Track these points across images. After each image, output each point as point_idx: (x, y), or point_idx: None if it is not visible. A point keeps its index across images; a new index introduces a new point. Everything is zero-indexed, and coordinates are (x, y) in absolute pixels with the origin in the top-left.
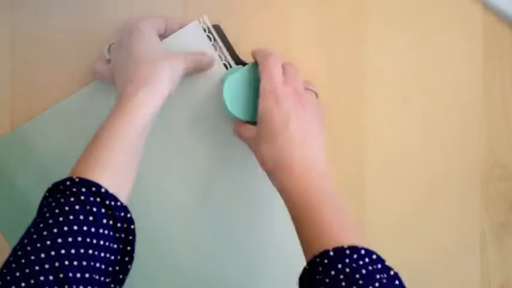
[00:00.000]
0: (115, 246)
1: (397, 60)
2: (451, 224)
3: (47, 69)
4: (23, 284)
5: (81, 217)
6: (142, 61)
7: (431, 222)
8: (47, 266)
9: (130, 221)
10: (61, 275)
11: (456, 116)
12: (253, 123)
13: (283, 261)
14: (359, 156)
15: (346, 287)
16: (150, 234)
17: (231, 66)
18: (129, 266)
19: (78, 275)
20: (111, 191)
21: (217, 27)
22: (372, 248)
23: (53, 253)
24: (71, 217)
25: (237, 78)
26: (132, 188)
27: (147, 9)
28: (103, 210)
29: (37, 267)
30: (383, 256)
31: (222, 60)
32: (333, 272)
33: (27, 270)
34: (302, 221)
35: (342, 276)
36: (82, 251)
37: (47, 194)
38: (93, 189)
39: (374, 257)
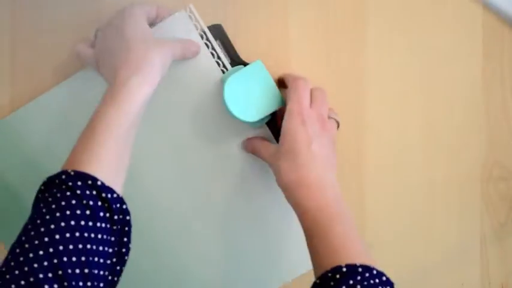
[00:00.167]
0: (112, 238)
1: (397, 60)
2: (451, 224)
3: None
4: (22, 282)
5: (78, 212)
6: (134, 45)
7: (432, 222)
8: (45, 264)
9: (126, 212)
10: (60, 272)
11: (456, 116)
12: (253, 123)
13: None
14: (359, 157)
15: None
16: (144, 229)
17: (226, 69)
18: (125, 257)
19: (77, 271)
20: (107, 183)
21: (218, 27)
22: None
23: (51, 250)
24: (68, 212)
25: (238, 78)
26: (131, 187)
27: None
28: (99, 204)
29: (36, 265)
30: (383, 254)
31: (216, 61)
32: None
33: (26, 268)
34: (315, 237)
35: None
36: (80, 246)
37: (42, 188)
38: (89, 182)
39: (384, 278)
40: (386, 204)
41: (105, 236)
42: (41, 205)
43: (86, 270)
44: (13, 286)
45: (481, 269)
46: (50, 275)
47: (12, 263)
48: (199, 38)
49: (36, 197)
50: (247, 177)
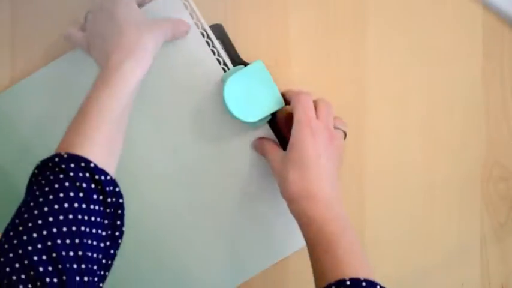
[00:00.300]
0: (105, 221)
1: (397, 60)
2: (451, 224)
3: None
4: (16, 265)
5: (72, 194)
6: (126, 28)
7: (432, 222)
8: (39, 246)
9: (119, 195)
10: (54, 254)
11: (456, 116)
12: (253, 123)
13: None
14: (359, 156)
15: None
16: (143, 225)
17: (227, 67)
18: (119, 241)
19: (71, 253)
20: (100, 165)
21: (219, 27)
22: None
23: (44, 232)
24: (61, 194)
25: (238, 78)
26: (130, 184)
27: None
28: (93, 186)
29: (30, 248)
30: (383, 254)
31: (217, 58)
32: None
33: (20, 251)
34: (319, 248)
35: None
36: (74, 228)
37: (35, 172)
38: (82, 164)
39: None
40: (386, 204)
41: (98, 219)
42: (34, 188)
43: (80, 253)
44: (7, 269)
45: (481, 269)
46: (44, 257)
47: (6, 246)
48: (190, 18)
49: (30, 181)
50: (247, 177)
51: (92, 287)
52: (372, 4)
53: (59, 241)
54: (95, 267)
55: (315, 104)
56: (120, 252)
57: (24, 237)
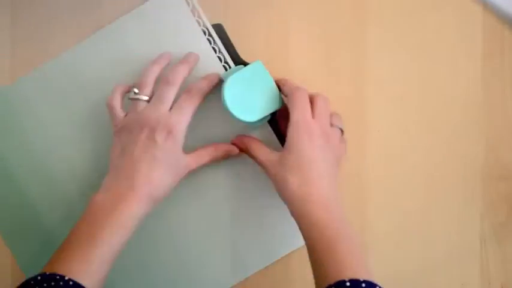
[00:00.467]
0: None
1: (397, 60)
2: (451, 224)
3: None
4: None
5: None
6: (137, 167)
7: (432, 222)
8: None
9: None
10: None
11: (456, 116)
12: (253, 123)
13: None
14: (359, 157)
15: None
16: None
17: (230, 67)
18: None
19: None
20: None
21: (219, 26)
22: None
23: None
24: None
25: (238, 79)
26: None
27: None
28: None
29: None
30: (383, 254)
31: (218, 56)
32: None
33: None
34: (319, 250)
35: None
36: None
37: None
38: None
39: None
40: (386, 204)
41: None
42: None
43: None
44: None
45: (481, 269)
46: None
47: None
48: (191, 15)
49: None
50: (246, 176)
51: None
52: (372, 3)
53: None
54: None
55: (311, 99)
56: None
57: None
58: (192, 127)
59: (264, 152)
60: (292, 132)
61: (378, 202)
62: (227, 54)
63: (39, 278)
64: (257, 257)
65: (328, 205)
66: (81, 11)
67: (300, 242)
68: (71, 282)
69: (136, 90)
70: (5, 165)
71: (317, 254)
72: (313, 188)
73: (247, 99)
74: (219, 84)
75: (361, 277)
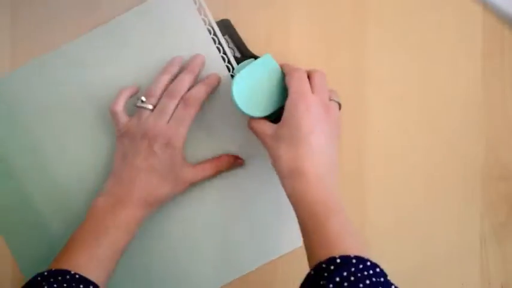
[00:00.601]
0: None
1: (397, 60)
2: (451, 224)
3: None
4: None
5: None
6: (137, 176)
7: (432, 222)
8: None
9: None
10: None
11: (456, 116)
12: (263, 118)
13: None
14: (359, 156)
15: None
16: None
17: (233, 68)
18: None
19: None
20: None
21: (226, 22)
22: (375, 260)
23: None
24: None
25: (247, 73)
26: None
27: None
28: None
29: None
30: (383, 254)
31: (222, 55)
32: (337, 279)
33: None
34: (310, 227)
35: (346, 284)
36: None
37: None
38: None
39: (378, 270)
40: (386, 204)
41: None
42: None
43: None
44: None
45: (481, 269)
46: None
47: None
48: (198, 13)
49: None
50: (245, 176)
51: None
52: (372, 3)
53: None
54: None
55: (309, 75)
56: None
57: None
58: (197, 123)
59: (262, 124)
60: (290, 105)
61: (378, 202)
62: (231, 54)
63: (46, 273)
64: (252, 256)
65: (320, 181)
66: (80, 10)
67: (299, 242)
68: (77, 276)
69: (143, 99)
70: (5, 159)
71: (308, 231)
72: (305, 162)
73: (256, 95)
74: (226, 79)
75: (352, 253)
